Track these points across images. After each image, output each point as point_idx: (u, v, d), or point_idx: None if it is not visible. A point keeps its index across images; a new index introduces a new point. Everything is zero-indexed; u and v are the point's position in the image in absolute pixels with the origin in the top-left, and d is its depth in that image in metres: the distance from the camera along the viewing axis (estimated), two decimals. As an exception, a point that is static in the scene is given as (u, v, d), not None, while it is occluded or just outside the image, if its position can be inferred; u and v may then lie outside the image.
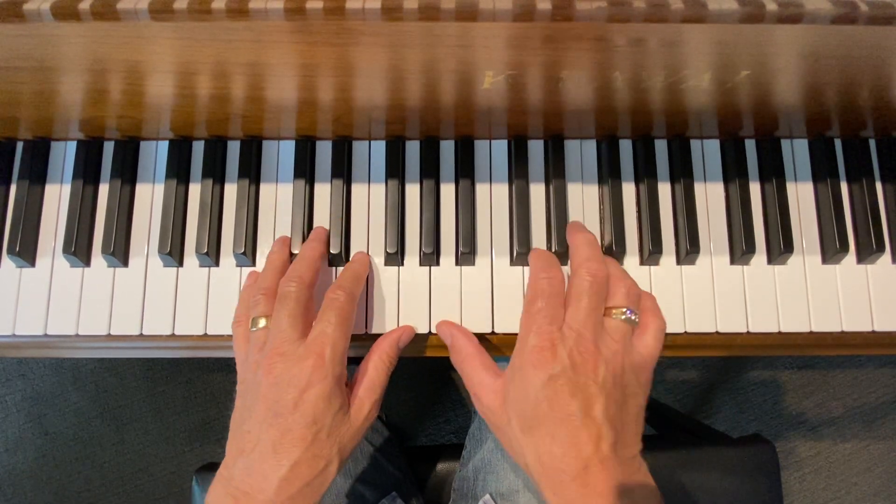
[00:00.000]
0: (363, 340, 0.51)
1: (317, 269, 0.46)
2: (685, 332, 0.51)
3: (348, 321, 0.43)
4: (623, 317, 0.42)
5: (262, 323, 0.44)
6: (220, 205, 0.53)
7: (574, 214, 0.53)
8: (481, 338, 0.51)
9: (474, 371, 0.45)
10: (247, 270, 0.52)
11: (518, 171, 0.53)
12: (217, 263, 0.52)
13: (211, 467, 0.68)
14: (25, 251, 0.51)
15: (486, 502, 0.56)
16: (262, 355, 0.42)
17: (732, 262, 0.52)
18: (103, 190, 0.53)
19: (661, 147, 0.54)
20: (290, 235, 0.52)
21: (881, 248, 0.52)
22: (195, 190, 0.53)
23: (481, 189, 0.53)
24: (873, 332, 0.51)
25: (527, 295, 0.44)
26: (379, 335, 0.50)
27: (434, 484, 0.68)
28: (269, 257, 0.49)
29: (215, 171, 0.53)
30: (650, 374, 0.43)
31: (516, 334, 0.48)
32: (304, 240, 0.51)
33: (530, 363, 0.40)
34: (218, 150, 0.53)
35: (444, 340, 0.49)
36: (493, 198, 0.53)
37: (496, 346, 0.52)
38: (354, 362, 0.51)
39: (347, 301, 0.43)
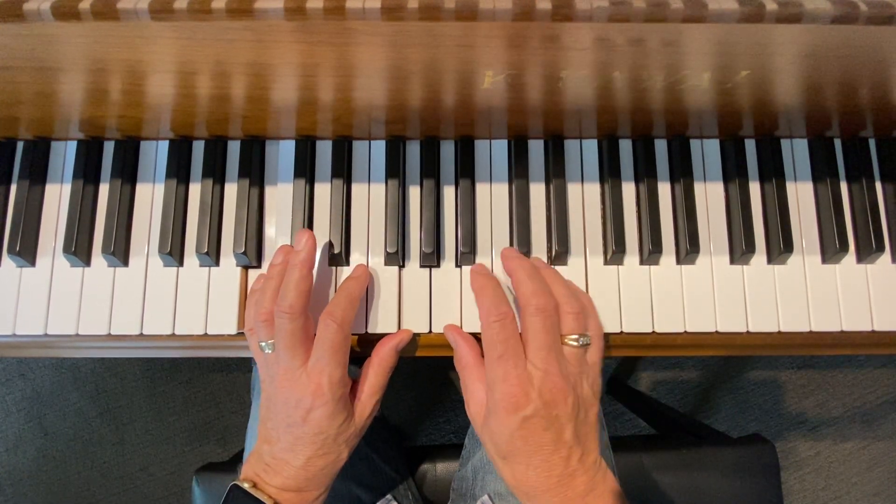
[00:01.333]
0: (363, 341, 0.51)
1: (305, 290, 0.46)
2: (685, 331, 0.51)
3: (341, 350, 0.46)
4: (576, 343, 0.45)
5: (268, 343, 0.47)
6: (220, 205, 0.53)
7: (574, 214, 0.53)
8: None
9: (471, 381, 0.47)
10: (248, 271, 0.52)
11: (518, 171, 0.53)
12: (217, 263, 0.52)
13: (211, 467, 0.68)
14: (26, 251, 0.51)
15: (484, 503, 0.56)
16: (275, 372, 0.46)
17: (732, 261, 0.52)
18: (103, 190, 0.53)
19: (661, 147, 0.54)
20: (290, 242, 0.52)
21: (881, 248, 0.52)
22: (195, 190, 0.53)
23: (481, 189, 0.53)
24: (873, 331, 0.51)
25: (483, 341, 0.46)
26: (378, 334, 0.51)
27: (433, 483, 0.68)
28: (269, 272, 0.49)
29: (215, 171, 0.53)
30: (600, 379, 0.47)
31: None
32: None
33: (503, 409, 0.43)
34: (218, 150, 0.53)
35: (450, 343, 0.50)
36: (493, 198, 0.53)
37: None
38: (356, 362, 0.51)
39: (338, 332, 0.45)
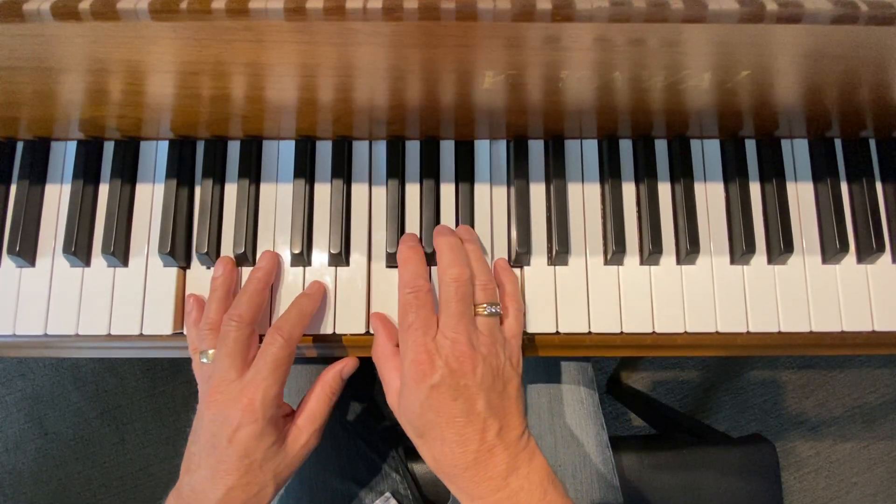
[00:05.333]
0: (359, 342, 0.51)
1: (259, 303, 0.47)
2: (685, 332, 0.51)
3: (283, 366, 0.45)
4: (486, 312, 0.45)
5: (211, 354, 0.47)
6: (221, 205, 0.53)
7: (574, 214, 0.53)
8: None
9: (387, 370, 0.46)
10: (247, 271, 0.52)
11: (518, 171, 0.53)
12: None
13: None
14: (25, 251, 0.51)
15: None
16: (207, 388, 0.45)
17: (732, 262, 0.52)
18: (103, 190, 0.53)
19: (661, 147, 0.54)
20: (289, 242, 0.52)
21: (881, 248, 0.52)
22: (195, 190, 0.53)
23: (481, 189, 0.53)
24: (873, 332, 0.51)
25: (398, 312, 0.46)
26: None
27: (433, 483, 0.68)
28: (213, 285, 0.49)
29: (215, 171, 0.53)
30: (520, 353, 0.47)
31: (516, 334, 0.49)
32: (303, 240, 0.51)
33: (412, 378, 0.43)
34: (218, 150, 0.53)
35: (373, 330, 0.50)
36: (493, 198, 0.53)
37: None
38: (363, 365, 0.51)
39: (283, 347, 0.45)
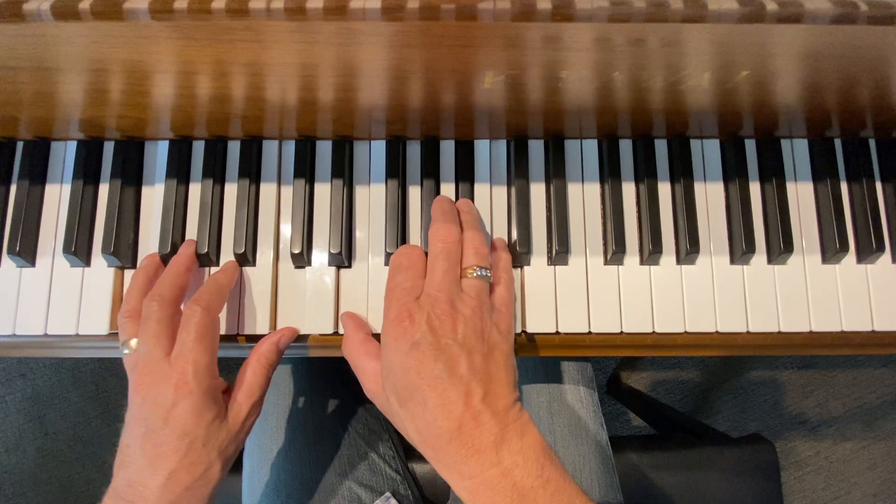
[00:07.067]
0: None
1: (180, 285, 0.47)
2: (685, 331, 0.51)
3: (208, 335, 0.44)
4: (475, 274, 0.44)
5: (133, 343, 0.45)
6: (220, 205, 0.53)
7: (574, 214, 0.53)
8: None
9: (358, 359, 0.45)
10: (247, 270, 0.52)
11: (518, 171, 0.53)
12: (217, 263, 0.52)
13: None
14: (25, 251, 0.51)
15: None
16: (135, 375, 0.44)
17: (732, 261, 0.52)
18: (103, 190, 0.53)
19: (661, 147, 0.54)
20: (289, 241, 0.52)
21: (881, 248, 0.52)
22: (195, 190, 0.53)
23: (481, 189, 0.53)
24: (873, 331, 0.51)
25: (388, 274, 0.46)
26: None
27: (433, 483, 0.68)
28: (134, 275, 0.49)
29: (215, 171, 0.53)
30: (510, 321, 0.45)
31: (518, 335, 0.49)
32: (304, 240, 0.51)
33: (392, 337, 0.41)
34: (218, 150, 0.53)
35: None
36: (493, 198, 0.53)
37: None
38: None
39: (204, 315, 0.44)
